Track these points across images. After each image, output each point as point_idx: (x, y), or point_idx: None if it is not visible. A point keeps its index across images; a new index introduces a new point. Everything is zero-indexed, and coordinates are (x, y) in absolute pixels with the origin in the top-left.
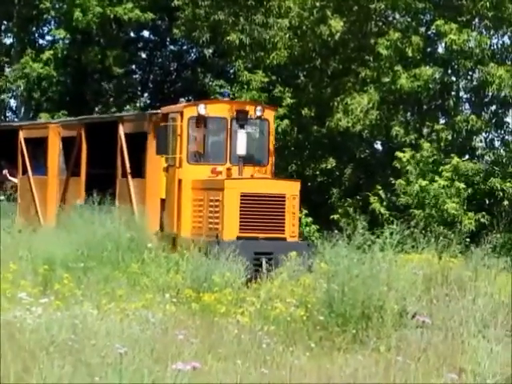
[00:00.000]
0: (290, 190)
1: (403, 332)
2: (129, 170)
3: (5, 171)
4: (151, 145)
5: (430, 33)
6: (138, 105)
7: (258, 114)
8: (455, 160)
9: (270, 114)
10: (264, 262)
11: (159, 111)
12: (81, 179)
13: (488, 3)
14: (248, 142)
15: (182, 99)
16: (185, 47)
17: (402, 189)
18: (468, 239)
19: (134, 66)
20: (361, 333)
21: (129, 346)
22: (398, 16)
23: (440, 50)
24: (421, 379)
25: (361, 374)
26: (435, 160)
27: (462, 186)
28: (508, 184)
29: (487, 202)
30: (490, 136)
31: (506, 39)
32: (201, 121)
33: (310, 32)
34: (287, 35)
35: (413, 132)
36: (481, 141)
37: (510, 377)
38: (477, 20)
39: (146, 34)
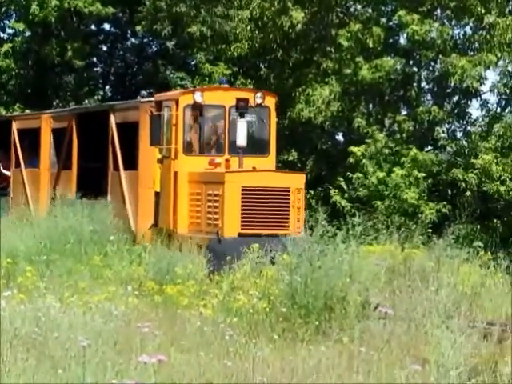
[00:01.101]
0: (295, 182)
1: (366, 323)
2: (120, 162)
3: None
4: (143, 135)
5: (391, 24)
6: (96, 97)
7: (258, 101)
8: (413, 151)
9: (270, 101)
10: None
11: (152, 99)
12: (72, 173)
13: None
14: (248, 131)
15: (143, 92)
16: (146, 40)
17: (359, 182)
18: (430, 230)
19: (95, 59)
20: (324, 324)
21: (92, 339)
22: (359, 7)
23: (402, 40)
24: (384, 370)
25: (324, 366)
26: (397, 151)
27: (421, 175)
28: (470, 175)
29: (450, 192)
30: (452, 127)
31: (468, 29)
32: (197, 109)
33: (271, 23)
34: (248, 27)
35: (374, 123)
36: (443, 132)
37: (473, 368)
38: (439, 10)
39: (106, 26)
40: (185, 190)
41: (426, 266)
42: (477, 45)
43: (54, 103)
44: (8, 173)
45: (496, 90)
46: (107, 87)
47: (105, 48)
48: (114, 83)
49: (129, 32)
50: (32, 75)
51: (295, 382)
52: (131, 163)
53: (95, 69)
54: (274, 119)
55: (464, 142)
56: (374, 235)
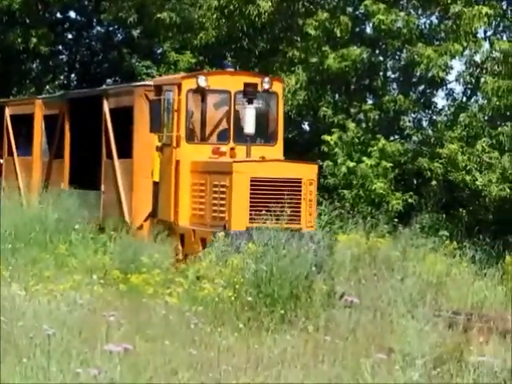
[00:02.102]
0: (307, 173)
1: (332, 312)
2: (114, 150)
3: None
4: (138, 121)
5: (358, 13)
6: (57, 83)
7: (266, 86)
8: (381, 142)
9: (278, 87)
10: None
11: (148, 83)
12: (65, 161)
13: None
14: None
15: (108, 80)
16: (111, 28)
17: (329, 170)
18: (396, 219)
19: (60, 47)
20: (289, 313)
21: (57, 328)
22: None
23: (368, 30)
24: (349, 359)
25: (289, 354)
26: (363, 141)
27: (389, 165)
28: (436, 164)
29: (415, 182)
30: (418, 116)
31: (434, 19)
32: (201, 94)
33: (237, 12)
34: (215, 15)
35: (340, 112)
36: (409, 121)
37: (439, 357)
38: (405, 0)
39: (72, 14)
40: (187, 180)
41: (391, 255)
42: (443, 34)
43: (13, 91)
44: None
45: (462, 80)
46: (72, 75)
47: (70, 36)
48: (80, 71)
49: (94, 20)
50: None
51: (260, 371)
52: (126, 151)
53: (60, 56)
54: (281, 106)
55: (430, 132)
56: (339, 224)
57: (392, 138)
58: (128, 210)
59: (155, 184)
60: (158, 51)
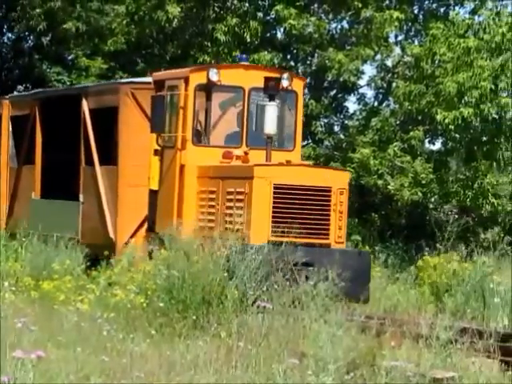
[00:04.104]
0: (338, 181)
1: (244, 317)
2: (95, 156)
3: None
4: (125, 123)
5: (268, 18)
6: None
7: (285, 84)
8: None
9: (298, 85)
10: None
11: (135, 80)
12: (36, 168)
13: None
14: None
15: (19, 86)
16: (22, 35)
17: None
18: None
19: None
20: (201, 319)
21: None
22: (235, 1)
23: (279, 35)
24: (262, 364)
25: (202, 360)
26: None
27: None
28: (348, 168)
29: None
30: (330, 121)
31: (345, 24)
32: (211, 89)
33: (147, 18)
34: (124, 21)
35: None
36: (321, 125)
37: (352, 361)
38: (316, 5)
39: None
40: (193, 187)
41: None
42: (354, 39)
43: None
44: None
45: (373, 84)
46: None
47: None
48: None
49: (5, 27)
50: None
51: (173, 376)
52: (109, 157)
53: None
54: (301, 106)
55: (342, 136)
56: None
57: (304, 143)
58: (112, 224)
59: (152, 193)
60: (69, 57)
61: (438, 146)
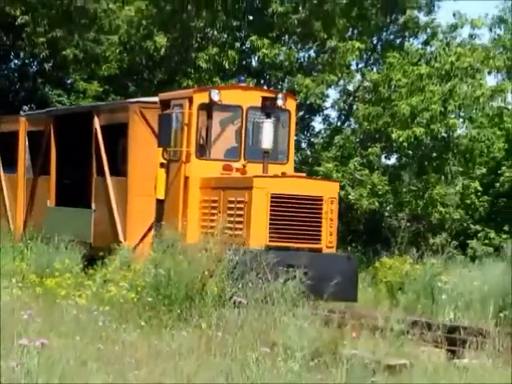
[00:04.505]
0: (328, 191)
1: (222, 311)
2: (106, 168)
3: None
4: (134, 138)
5: (244, 47)
6: None
7: (279, 103)
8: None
9: (291, 104)
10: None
11: (143, 99)
12: (51, 178)
13: (296, 21)
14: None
15: (24, 107)
16: (27, 61)
17: None
18: None
19: None
20: (185, 312)
21: None
22: (215, 33)
23: (254, 62)
24: (238, 352)
25: (185, 348)
26: None
27: None
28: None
29: None
30: (298, 139)
31: (312, 53)
32: (213, 108)
33: (137, 47)
34: (117, 50)
35: None
36: None
37: (316, 350)
38: (286, 36)
39: None
40: (196, 196)
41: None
42: (320, 66)
43: None
44: None
45: (336, 106)
46: None
47: None
48: None
49: (12, 54)
50: None
51: (160, 363)
52: (119, 168)
53: None
54: (293, 124)
55: (308, 152)
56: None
57: None
58: (122, 229)
59: (158, 201)
60: (69, 81)
61: (393, 160)
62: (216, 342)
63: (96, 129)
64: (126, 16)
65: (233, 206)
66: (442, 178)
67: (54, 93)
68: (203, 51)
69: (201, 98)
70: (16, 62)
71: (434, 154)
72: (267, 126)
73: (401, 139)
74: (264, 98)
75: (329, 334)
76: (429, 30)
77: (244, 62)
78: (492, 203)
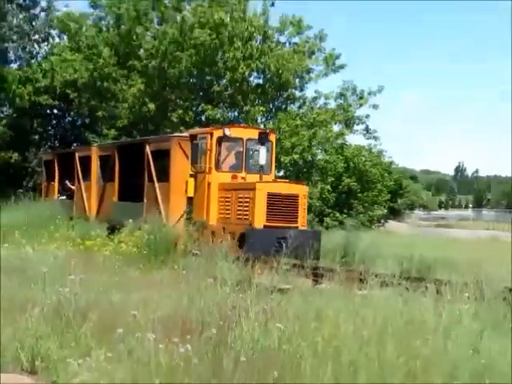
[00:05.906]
0: (302, 191)
1: (187, 259)
2: (155, 177)
3: (66, 181)
4: (174, 159)
5: (198, 110)
6: (47, 146)
7: (268, 136)
8: None
9: (272, 137)
10: (284, 245)
11: (181, 134)
12: (115, 184)
13: (226, 95)
14: (257, 157)
15: (74, 144)
16: (76, 117)
17: None
18: None
19: (49, 127)
20: (165, 260)
21: (48, 268)
22: (182, 102)
23: (203, 118)
24: (195, 282)
25: (165, 280)
26: None
27: None
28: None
29: None
30: None
31: (236, 113)
32: (225, 140)
33: (138, 110)
34: (127, 111)
35: None
36: None
37: (239, 280)
38: (221, 104)
39: (55, 111)
40: (215, 195)
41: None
42: (241, 121)
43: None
44: (73, 187)
45: None
46: (56, 142)
47: (54, 121)
48: (59, 140)
49: (66, 114)
50: None
51: (150, 288)
52: (163, 177)
53: (50, 132)
54: (274, 149)
55: None
56: None
57: None
58: (165, 215)
59: (189, 198)
60: (98, 129)
61: (281, 173)
62: (182, 277)
63: (147, 154)
64: (132, 92)
65: (242, 200)
66: (310, 183)
67: (90, 136)
68: (175, 112)
69: (218, 133)
70: (69, 119)
71: (305, 170)
72: (263, 150)
73: (286, 161)
74: (260, 133)
75: (246, 271)
76: (301, 100)
77: (198, 118)
78: (337, 197)
